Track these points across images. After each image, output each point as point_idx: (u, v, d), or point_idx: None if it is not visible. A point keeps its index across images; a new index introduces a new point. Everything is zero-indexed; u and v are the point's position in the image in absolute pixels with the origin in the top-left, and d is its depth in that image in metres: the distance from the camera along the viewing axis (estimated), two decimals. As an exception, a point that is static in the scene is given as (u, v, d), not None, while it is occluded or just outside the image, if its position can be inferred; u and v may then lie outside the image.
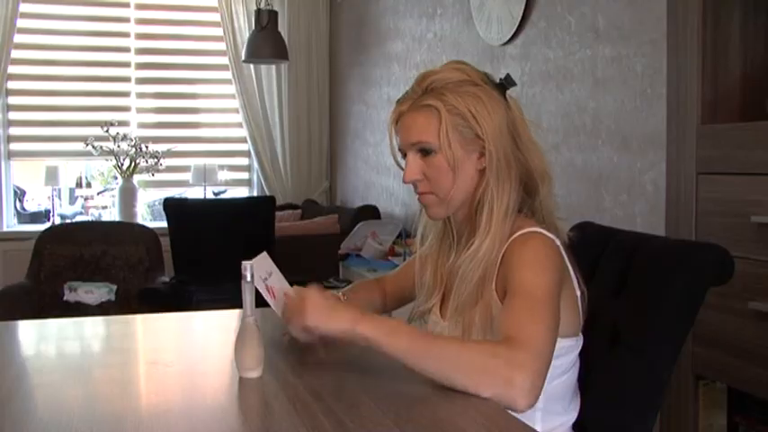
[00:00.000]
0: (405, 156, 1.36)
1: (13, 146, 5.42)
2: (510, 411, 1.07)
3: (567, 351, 1.29)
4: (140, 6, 5.60)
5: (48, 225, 5.02)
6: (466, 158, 1.30)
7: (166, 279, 4.33)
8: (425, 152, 1.31)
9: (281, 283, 1.34)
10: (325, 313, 1.17)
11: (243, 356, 1.19)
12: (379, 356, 1.40)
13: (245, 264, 1.20)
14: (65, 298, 4.20)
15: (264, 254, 1.36)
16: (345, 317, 1.16)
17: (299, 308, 1.19)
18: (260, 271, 1.30)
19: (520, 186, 1.31)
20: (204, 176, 5.60)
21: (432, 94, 1.29)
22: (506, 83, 1.33)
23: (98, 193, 6.26)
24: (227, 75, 5.65)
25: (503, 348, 1.10)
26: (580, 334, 1.33)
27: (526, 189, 1.33)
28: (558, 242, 1.28)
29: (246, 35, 5.23)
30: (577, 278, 1.31)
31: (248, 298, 1.20)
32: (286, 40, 5.10)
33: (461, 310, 1.30)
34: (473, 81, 1.30)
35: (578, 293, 1.31)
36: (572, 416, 1.33)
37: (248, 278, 1.20)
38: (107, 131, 5.30)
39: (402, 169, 1.36)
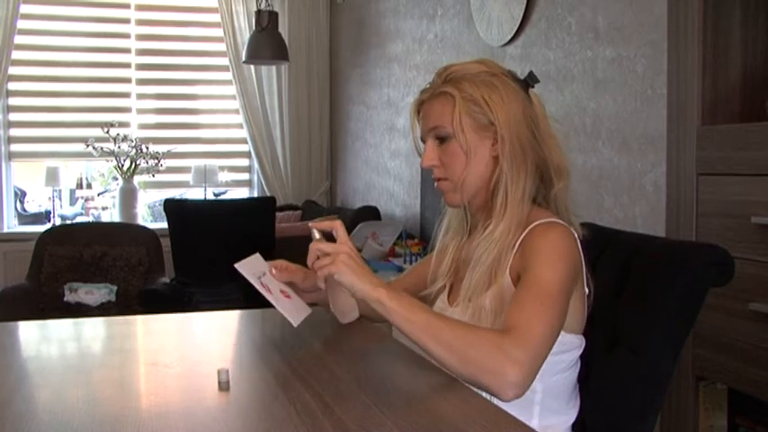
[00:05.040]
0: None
1: (14, 147, 5.43)
2: (504, 406, 1.08)
3: (571, 347, 1.30)
4: (140, 7, 5.60)
5: (48, 226, 5.03)
6: (479, 144, 1.33)
7: (166, 280, 4.34)
8: (442, 139, 1.36)
9: (274, 283, 1.41)
10: (353, 269, 1.21)
11: (339, 304, 1.34)
12: (379, 357, 1.40)
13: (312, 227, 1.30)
14: (65, 299, 4.20)
15: (257, 255, 1.39)
16: (370, 279, 1.20)
17: (332, 259, 1.22)
18: (254, 270, 1.34)
19: (536, 175, 1.34)
20: (205, 177, 5.60)
21: (449, 83, 1.35)
22: (530, 80, 1.37)
23: (98, 194, 6.27)
24: (228, 76, 5.66)
25: (505, 341, 1.11)
26: (582, 334, 1.33)
27: (542, 180, 1.35)
28: (576, 235, 1.29)
29: (247, 36, 5.24)
30: (587, 276, 1.32)
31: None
32: (286, 40, 5.10)
33: (473, 293, 1.31)
34: (491, 72, 1.35)
35: (586, 291, 1.31)
36: (570, 416, 1.34)
37: (317, 236, 1.30)
38: (107, 132, 5.30)
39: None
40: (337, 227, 1.29)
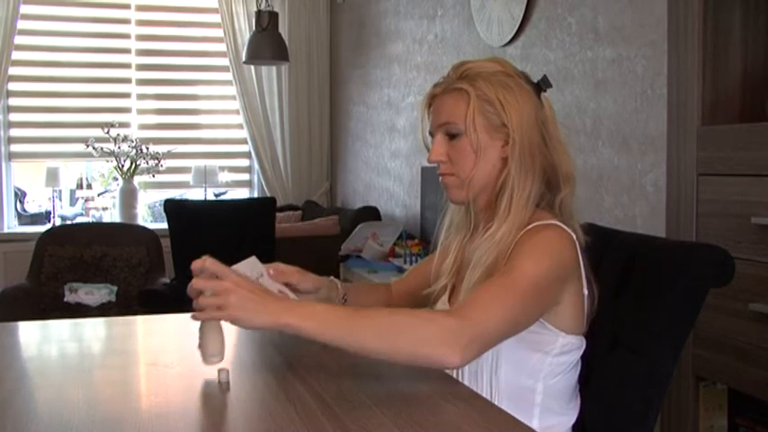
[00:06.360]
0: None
1: (14, 147, 5.43)
2: (503, 407, 1.08)
3: (571, 348, 1.29)
4: (141, 8, 5.60)
5: (48, 226, 5.03)
6: (490, 144, 1.33)
7: (167, 280, 4.34)
8: (452, 135, 1.34)
9: (272, 285, 1.36)
10: (248, 307, 1.11)
11: (205, 343, 1.20)
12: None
13: (205, 257, 1.19)
14: (65, 299, 4.20)
15: (253, 257, 1.38)
16: (269, 309, 1.11)
17: (221, 302, 1.12)
18: (251, 272, 1.32)
19: (543, 180, 1.33)
20: (205, 178, 5.60)
21: (465, 80, 1.33)
22: (543, 84, 1.36)
23: (99, 195, 6.27)
24: (228, 76, 5.66)
25: (441, 315, 1.13)
26: (583, 335, 1.33)
27: (548, 185, 1.34)
28: (575, 237, 1.28)
29: (247, 36, 5.23)
30: (588, 278, 1.31)
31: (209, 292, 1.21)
32: (286, 41, 5.10)
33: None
34: (507, 73, 1.34)
35: (585, 293, 1.31)
36: (570, 417, 1.33)
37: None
38: (108, 133, 5.30)
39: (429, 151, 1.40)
40: (208, 265, 1.16)
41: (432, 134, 1.39)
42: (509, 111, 1.30)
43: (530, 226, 1.28)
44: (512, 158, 1.31)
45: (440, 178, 1.39)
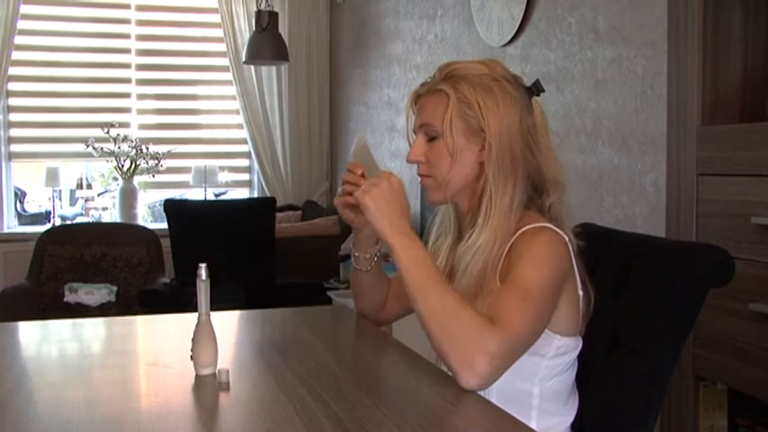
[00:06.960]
0: None
1: (14, 147, 5.43)
2: (502, 407, 1.08)
3: (567, 350, 1.29)
4: (140, 8, 5.60)
5: (48, 226, 5.03)
6: (467, 148, 1.32)
7: (167, 280, 4.34)
8: (431, 137, 1.34)
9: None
10: (382, 207, 1.26)
11: (197, 354, 1.23)
12: (379, 357, 1.41)
13: (201, 265, 1.24)
14: (65, 299, 4.21)
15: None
16: (394, 221, 1.26)
17: (367, 187, 1.27)
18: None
19: (527, 185, 1.32)
20: (205, 178, 5.60)
21: (448, 82, 1.33)
22: (535, 88, 1.35)
23: (98, 195, 6.27)
24: (228, 76, 5.66)
25: (488, 330, 1.13)
26: (579, 335, 1.33)
27: (536, 190, 1.34)
28: (567, 239, 1.28)
29: (247, 36, 5.24)
30: (583, 280, 1.31)
31: (203, 298, 1.24)
32: (286, 41, 5.10)
33: None
34: (493, 76, 1.32)
35: (581, 294, 1.31)
36: (569, 416, 1.33)
37: (203, 278, 1.24)
38: (107, 133, 5.30)
39: None
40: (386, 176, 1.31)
41: (415, 133, 1.40)
42: (487, 115, 1.29)
43: (523, 229, 1.27)
44: (488, 163, 1.30)
45: (419, 179, 1.39)
